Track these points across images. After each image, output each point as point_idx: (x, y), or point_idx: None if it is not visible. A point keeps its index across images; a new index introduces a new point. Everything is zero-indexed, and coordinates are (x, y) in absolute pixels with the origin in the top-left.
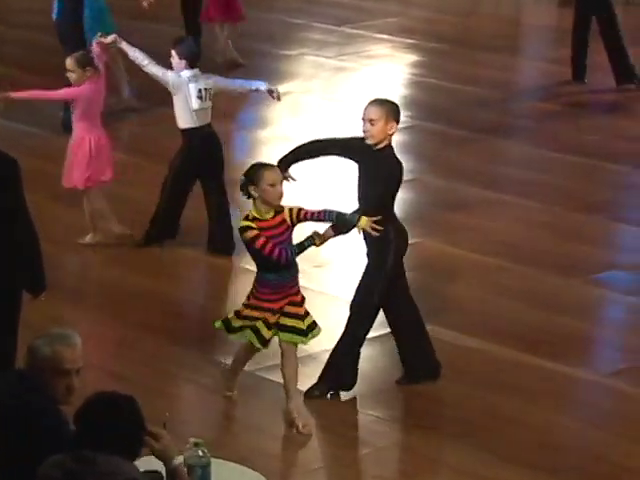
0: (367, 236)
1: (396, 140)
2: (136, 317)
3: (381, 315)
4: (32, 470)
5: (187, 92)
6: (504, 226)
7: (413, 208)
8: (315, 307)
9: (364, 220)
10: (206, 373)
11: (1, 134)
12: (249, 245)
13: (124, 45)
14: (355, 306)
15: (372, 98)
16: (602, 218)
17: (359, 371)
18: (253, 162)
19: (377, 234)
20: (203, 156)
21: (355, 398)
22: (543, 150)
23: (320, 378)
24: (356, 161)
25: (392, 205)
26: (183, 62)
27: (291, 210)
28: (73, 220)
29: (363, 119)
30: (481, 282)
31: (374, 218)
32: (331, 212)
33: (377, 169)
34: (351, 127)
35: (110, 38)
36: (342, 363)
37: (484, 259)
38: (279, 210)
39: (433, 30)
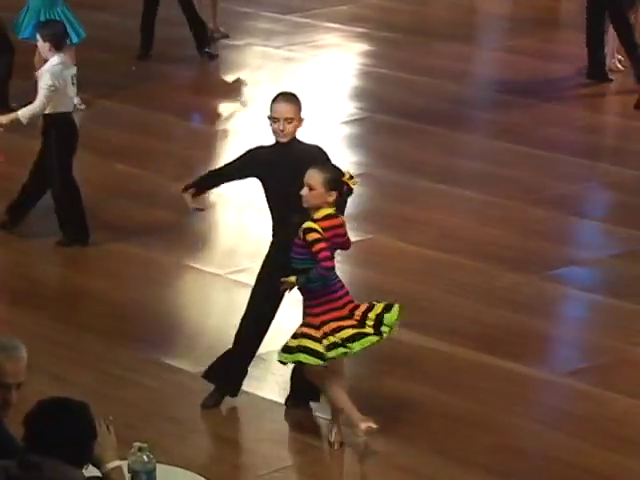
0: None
1: (346, 133)
2: (77, 318)
3: None
4: None
5: (65, 79)
6: (459, 221)
7: (364, 203)
8: None
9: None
10: (150, 375)
11: None
12: None
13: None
14: None
15: (277, 93)
16: (561, 212)
17: None
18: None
19: None
20: (72, 141)
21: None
22: (500, 142)
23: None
24: (267, 170)
25: None
26: (47, 45)
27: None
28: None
29: (276, 118)
30: (435, 279)
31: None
32: None
33: (310, 158)
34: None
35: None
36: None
37: (439, 255)
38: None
39: (385, 18)
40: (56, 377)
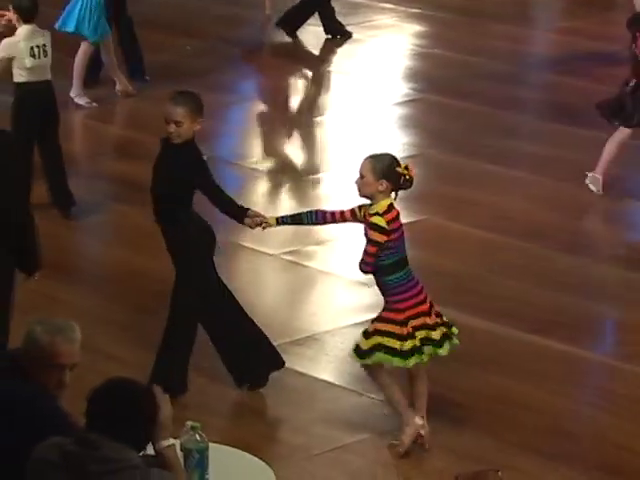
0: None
1: (399, 113)
2: (134, 298)
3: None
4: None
5: (20, 51)
6: (512, 202)
7: (417, 184)
8: (317, 286)
9: None
10: (203, 355)
11: None
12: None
13: None
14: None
15: (172, 95)
16: (615, 194)
17: None
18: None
19: None
20: (35, 112)
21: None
22: (553, 123)
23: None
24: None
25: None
26: (15, 16)
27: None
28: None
29: (166, 120)
30: (488, 260)
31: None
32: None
33: (176, 161)
34: (354, 99)
35: None
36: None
37: (491, 236)
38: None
39: None
40: (111, 356)
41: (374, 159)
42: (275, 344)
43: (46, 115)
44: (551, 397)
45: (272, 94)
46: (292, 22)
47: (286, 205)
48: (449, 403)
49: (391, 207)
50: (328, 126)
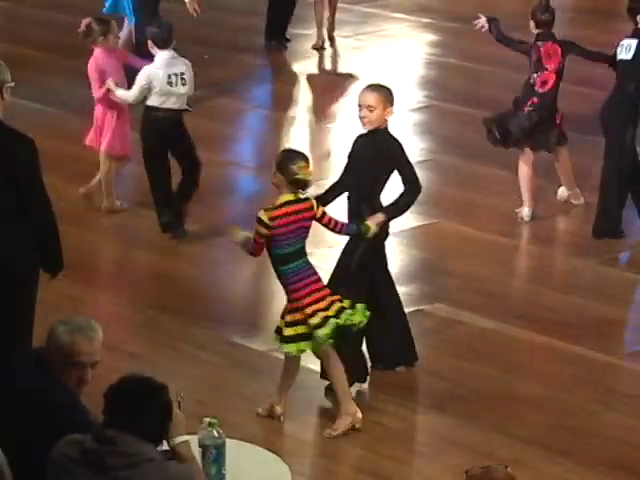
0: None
1: (413, 120)
2: (152, 297)
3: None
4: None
5: (160, 79)
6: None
7: (429, 188)
8: None
9: (371, 227)
10: (222, 354)
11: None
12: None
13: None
14: None
15: (367, 84)
16: None
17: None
18: (284, 148)
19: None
20: (162, 141)
21: (369, 379)
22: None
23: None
24: (350, 156)
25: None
26: (150, 42)
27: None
28: (89, 199)
29: (360, 105)
30: (497, 262)
31: (380, 220)
32: (350, 226)
33: (374, 148)
34: None
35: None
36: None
37: (502, 240)
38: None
39: (450, 8)
40: (130, 354)
41: (281, 152)
42: None
43: (172, 146)
44: (558, 395)
45: (286, 101)
46: (274, 31)
47: None
48: (460, 400)
49: (285, 204)
50: (342, 132)
